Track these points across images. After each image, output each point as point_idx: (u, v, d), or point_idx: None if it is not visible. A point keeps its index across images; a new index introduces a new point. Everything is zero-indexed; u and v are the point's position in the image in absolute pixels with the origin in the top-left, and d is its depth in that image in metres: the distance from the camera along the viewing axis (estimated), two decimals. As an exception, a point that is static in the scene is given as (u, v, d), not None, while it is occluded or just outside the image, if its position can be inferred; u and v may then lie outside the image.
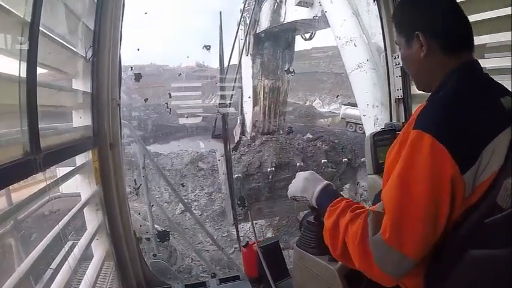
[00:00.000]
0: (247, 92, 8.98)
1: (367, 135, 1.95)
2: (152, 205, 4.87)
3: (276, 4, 8.37)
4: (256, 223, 7.81)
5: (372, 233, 0.86)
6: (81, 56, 1.64)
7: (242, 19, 8.55)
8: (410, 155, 0.84)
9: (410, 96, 2.28)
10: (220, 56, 6.36)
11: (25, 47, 1.05)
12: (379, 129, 2.03)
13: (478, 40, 0.99)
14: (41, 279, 1.82)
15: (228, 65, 6.91)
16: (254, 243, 1.70)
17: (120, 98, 1.86)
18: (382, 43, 2.43)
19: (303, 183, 1.12)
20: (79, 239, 1.61)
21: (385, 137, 1.88)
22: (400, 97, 2.31)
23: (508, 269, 0.77)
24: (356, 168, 8.81)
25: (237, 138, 9.11)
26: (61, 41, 1.45)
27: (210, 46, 7.97)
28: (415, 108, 1.12)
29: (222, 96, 6.93)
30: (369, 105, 3.19)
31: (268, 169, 7.96)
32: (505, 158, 0.82)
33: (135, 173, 8.65)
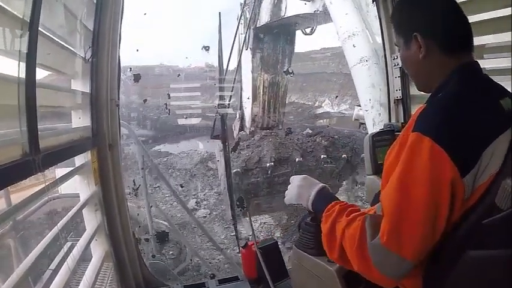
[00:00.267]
0: (247, 87, 8.91)
1: (366, 136, 1.95)
2: (151, 206, 4.86)
3: (277, -3, 8.33)
4: (264, 223, 7.80)
5: (371, 238, 0.86)
6: (80, 56, 1.64)
7: (242, 13, 8.50)
8: (409, 158, 0.84)
9: (409, 96, 2.28)
10: (219, 56, 6.37)
11: (24, 47, 1.05)
12: (378, 130, 2.03)
13: (477, 41, 0.99)
14: (40, 279, 1.82)
15: (228, 63, 6.91)
16: (253, 244, 1.70)
17: (119, 99, 1.86)
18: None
19: (297, 190, 1.13)
20: (78, 240, 1.60)
21: (384, 137, 1.88)
22: (399, 98, 2.31)
23: (506, 269, 0.77)
24: (355, 166, 8.76)
25: (236, 133, 9.06)
26: (60, 41, 1.45)
27: (208, 47, 7.97)
28: (414, 109, 1.12)
29: (221, 97, 6.93)
30: (371, 101, 3.13)
31: (268, 164, 7.90)
32: (504, 160, 0.82)
33: (145, 171, 8.79)
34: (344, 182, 8.74)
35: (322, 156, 8.33)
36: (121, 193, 1.87)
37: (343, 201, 1.04)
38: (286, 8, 8.07)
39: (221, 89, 6.91)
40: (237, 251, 6.84)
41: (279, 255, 1.75)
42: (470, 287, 0.85)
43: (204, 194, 9.03)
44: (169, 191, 8.40)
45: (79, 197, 1.69)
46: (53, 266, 1.80)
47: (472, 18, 0.98)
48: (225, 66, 6.74)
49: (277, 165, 8.01)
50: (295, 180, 1.15)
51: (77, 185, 1.69)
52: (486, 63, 1.72)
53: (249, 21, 8.40)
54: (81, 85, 1.68)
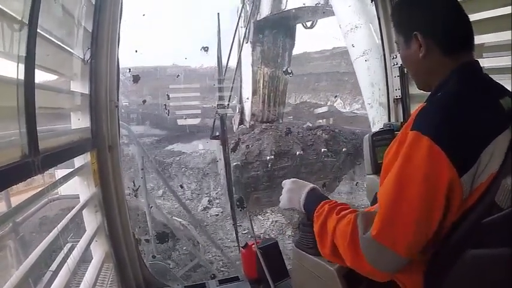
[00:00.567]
0: (247, 81, 8.82)
1: (366, 135, 1.95)
2: (151, 206, 4.86)
3: (278, -10, 8.26)
4: (276, 221, 7.79)
5: (362, 232, 0.86)
6: (79, 57, 1.63)
7: (243, 7, 8.45)
8: (407, 157, 0.84)
9: (408, 96, 2.28)
10: (218, 57, 6.35)
11: (23, 48, 1.05)
12: (377, 129, 2.03)
13: (476, 39, 0.98)
14: (40, 281, 1.82)
15: (228, 59, 6.88)
16: (253, 244, 1.70)
17: (118, 100, 1.86)
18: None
19: (288, 195, 1.14)
20: (78, 241, 1.60)
21: (383, 137, 1.88)
22: (398, 97, 2.31)
23: (507, 268, 0.77)
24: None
25: (235, 127, 8.99)
26: (59, 43, 1.45)
27: (207, 47, 7.96)
28: (414, 108, 1.12)
29: (221, 97, 6.91)
30: (374, 94, 3.08)
31: (268, 157, 7.82)
32: (503, 159, 0.82)
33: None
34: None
35: (322, 149, 8.26)
36: (121, 194, 1.87)
37: (332, 200, 1.05)
38: (287, 0, 8.02)
39: (220, 89, 6.90)
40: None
41: (279, 255, 1.75)
42: (471, 285, 0.85)
43: (217, 193, 9.03)
44: (191, 187, 8.73)
45: (79, 198, 1.69)
46: (53, 267, 1.80)
47: (471, 17, 0.98)
48: (224, 67, 6.72)
49: (278, 159, 7.93)
50: (286, 184, 1.17)
51: (76, 186, 1.69)
52: (485, 62, 1.72)
53: (250, 14, 8.33)
54: (80, 86, 1.68)
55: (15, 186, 1.04)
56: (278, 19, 8.49)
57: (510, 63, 1.59)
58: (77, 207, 1.57)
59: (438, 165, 0.80)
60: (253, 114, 8.94)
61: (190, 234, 6.16)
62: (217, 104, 6.45)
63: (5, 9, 1.00)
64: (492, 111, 0.87)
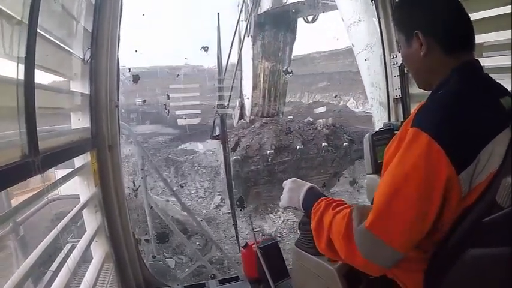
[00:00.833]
0: (247, 75, 8.79)
1: (365, 135, 1.95)
2: (151, 206, 4.86)
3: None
4: (287, 220, 7.78)
5: (357, 224, 0.88)
6: (79, 57, 1.63)
7: (244, 1, 8.39)
8: (406, 153, 0.84)
9: (408, 95, 2.28)
10: (218, 57, 6.36)
11: (23, 49, 1.05)
12: (377, 129, 2.03)
13: (476, 39, 0.98)
14: (40, 281, 1.82)
15: (227, 61, 6.87)
16: (253, 244, 1.70)
17: (118, 100, 1.86)
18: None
19: (288, 194, 1.17)
20: (78, 241, 1.60)
21: (383, 136, 1.88)
22: (398, 96, 2.31)
23: (507, 268, 0.77)
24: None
25: (235, 122, 9.00)
26: (59, 42, 1.45)
27: (207, 47, 7.95)
28: (414, 108, 1.12)
29: (220, 97, 6.91)
30: (376, 86, 3.06)
31: (268, 151, 7.82)
32: (503, 158, 0.82)
33: (171, 169, 9.08)
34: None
35: (323, 144, 8.23)
36: (121, 194, 1.87)
37: (329, 197, 1.07)
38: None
39: (220, 89, 6.90)
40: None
41: (279, 255, 1.75)
42: (471, 285, 0.85)
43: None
44: (204, 185, 8.79)
45: (79, 198, 1.69)
46: (53, 267, 1.80)
47: (471, 16, 0.98)
48: (224, 67, 6.72)
49: (278, 153, 7.91)
50: (287, 184, 1.19)
51: (76, 186, 1.69)
52: (485, 61, 1.71)
53: (251, 8, 8.29)
54: (80, 86, 1.68)
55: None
56: (279, 13, 8.44)
57: (510, 62, 1.58)
58: (77, 207, 1.57)
59: (437, 162, 0.80)
60: (253, 109, 8.91)
61: (204, 230, 6.29)
62: (217, 104, 6.46)
63: (4, 9, 1.00)
64: (492, 110, 0.87)
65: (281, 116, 9.37)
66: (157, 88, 10.98)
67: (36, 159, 1.08)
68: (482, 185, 0.83)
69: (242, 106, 9.12)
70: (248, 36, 8.41)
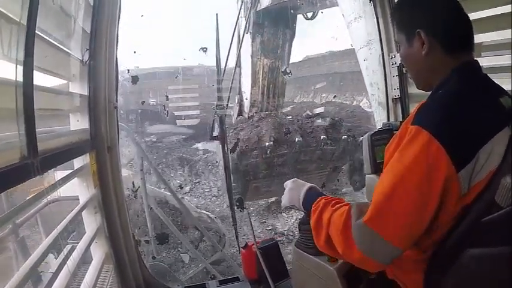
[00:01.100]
0: (246, 72, 8.75)
1: (364, 135, 1.95)
2: (151, 208, 4.84)
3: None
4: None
5: (355, 220, 0.88)
6: (77, 59, 1.63)
7: None
8: (406, 149, 0.85)
9: (407, 95, 2.28)
10: (216, 57, 6.34)
11: (21, 50, 1.05)
12: (376, 129, 2.03)
13: (476, 38, 0.99)
14: (40, 282, 1.82)
15: (226, 62, 6.85)
16: (253, 244, 1.70)
17: (117, 101, 1.85)
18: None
19: (289, 194, 1.18)
20: (78, 242, 1.60)
21: (382, 136, 1.87)
22: (397, 96, 2.31)
23: (507, 267, 0.77)
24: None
25: (234, 119, 8.96)
26: (57, 44, 1.45)
27: (206, 48, 7.93)
28: (413, 108, 1.12)
29: (219, 98, 6.90)
30: (375, 86, 3.05)
31: (267, 143, 7.66)
32: (503, 157, 0.83)
33: (185, 168, 9.29)
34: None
35: (322, 137, 8.17)
36: (120, 195, 1.87)
37: (328, 196, 1.08)
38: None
39: (219, 89, 6.89)
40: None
41: (279, 255, 1.75)
42: (471, 284, 0.85)
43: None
44: (217, 184, 8.94)
45: (78, 199, 1.69)
46: (53, 268, 1.80)
47: (470, 16, 0.98)
48: (222, 67, 6.70)
49: (277, 145, 7.76)
50: (287, 185, 1.21)
51: (76, 188, 1.69)
52: (483, 61, 1.72)
53: (250, 4, 8.26)
54: (79, 88, 1.67)
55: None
56: (278, 9, 8.38)
57: (510, 62, 1.58)
58: (77, 208, 1.57)
59: (437, 159, 0.80)
60: (252, 106, 8.87)
61: (217, 227, 6.37)
62: (216, 105, 6.44)
63: (3, 10, 1.00)
64: (492, 110, 0.88)
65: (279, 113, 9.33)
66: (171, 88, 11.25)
67: (35, 160, 1.08)
68: (481, 184, 0.83)
69: (241, 103, 9.09)
70: (247, 33, 8.37)
